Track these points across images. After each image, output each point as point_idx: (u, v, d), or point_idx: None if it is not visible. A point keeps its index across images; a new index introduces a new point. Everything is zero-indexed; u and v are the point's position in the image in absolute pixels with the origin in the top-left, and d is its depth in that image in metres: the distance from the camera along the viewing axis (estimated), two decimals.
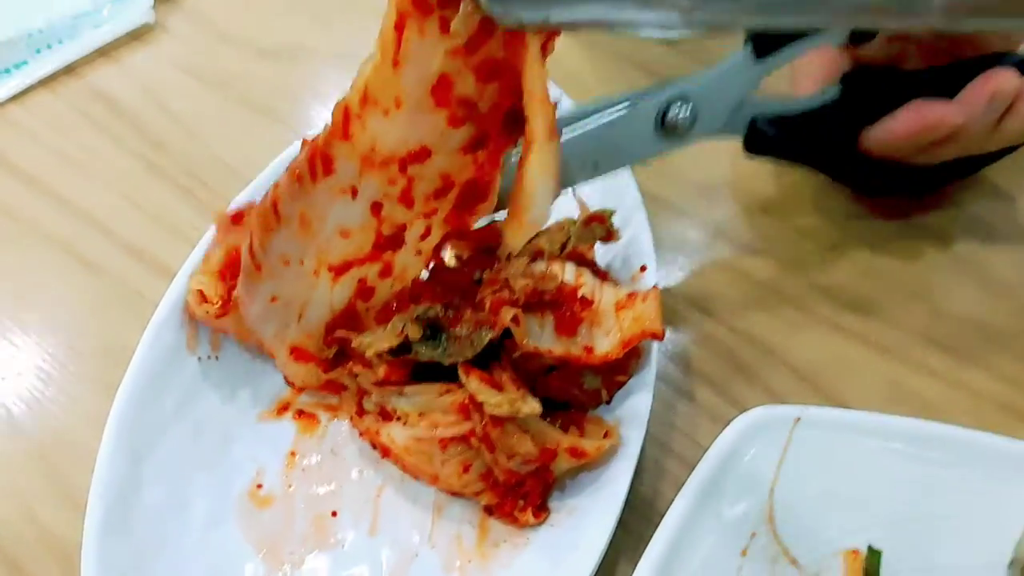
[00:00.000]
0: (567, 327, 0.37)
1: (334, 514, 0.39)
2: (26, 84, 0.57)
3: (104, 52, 0.59)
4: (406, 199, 0.35)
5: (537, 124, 0.29)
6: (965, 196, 0.50)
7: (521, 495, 0.37)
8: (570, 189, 0.43)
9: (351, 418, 0.40)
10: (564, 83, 0.46)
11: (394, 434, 0.37)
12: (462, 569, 0.37)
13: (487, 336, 0.35)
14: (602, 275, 0.41)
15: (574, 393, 0.38)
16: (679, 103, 0.40)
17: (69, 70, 0.58)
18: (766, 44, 0.41)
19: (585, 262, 0.41)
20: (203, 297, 0.39)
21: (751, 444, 0.36)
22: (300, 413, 0.41)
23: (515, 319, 0.35)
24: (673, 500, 0.35)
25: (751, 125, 0.43)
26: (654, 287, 0.39)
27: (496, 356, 0.36)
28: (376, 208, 0.35)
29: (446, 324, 0.35)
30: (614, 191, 0.44)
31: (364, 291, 0.38)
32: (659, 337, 0.37)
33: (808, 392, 0.43)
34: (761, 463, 0.36)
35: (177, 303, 0.41)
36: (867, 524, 0.36)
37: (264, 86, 0.57)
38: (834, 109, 0.44)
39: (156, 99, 0.56)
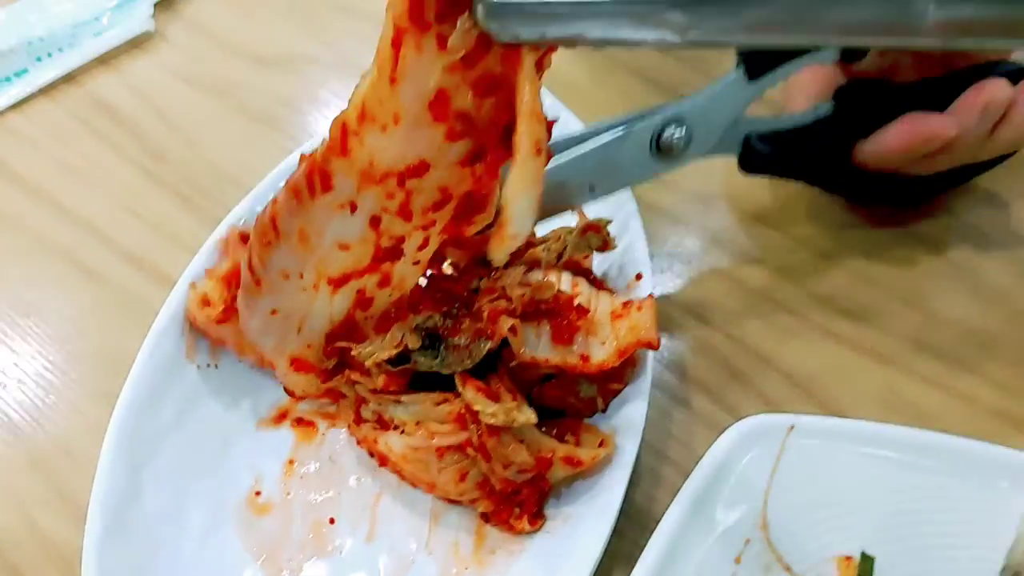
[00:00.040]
0: (563, 336, 0.37)
1: (332, 521, 0.39)
2: (27, 92, 0.57)
3: (104, 60, 0.59)
4: (404, 212, 0.35)
5: (523, 140, 0.29)
6: (958, 203, 0.50)
7: (517, 503, 0.37)
8: None
9: (349, 426, 0.40)
10: (559, 89, 0.46)
11: (391, 442, 0.38)
12: None
13: (486, 346, 0.35)
14: (598, 284, 0.41)
15: (570, 401, 0.39)
16: (674, 125, 0.40)
17: (69, 78, 0.58)
18: (758, 65, 0.41)
19: (581, 271, 0.41)
20: (206, 301, 0.39)
21: (745, 452, 0.37)
22: (298, 421, 0.42)
23: (513, 329, 0.35)
24: (668, 506, 0.36)
25: (745, 144, 0.44)
26: (649, 296, 0.39)
27: (493, 365, 0.37)
28: (375, 222, 0.35)
29: (445, 334, 0.36)
30: (610, 200, 0.44)
31: (363, 301, 0.38)
32: (654, 347, 0.37)
33: (803, 399, 0.43)
34: (755, 471, 0.37)
35: (177, 312, 0.42)
36: (860, 531, 0.36)
37: (263, 94, 0.57)
38: (828, 124, 0.45)
39: (156, 107, 0.57)
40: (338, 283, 0.37)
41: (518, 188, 0.29)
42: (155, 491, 0.38)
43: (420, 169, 0.33)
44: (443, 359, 0.36)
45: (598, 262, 0.44)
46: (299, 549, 0.38)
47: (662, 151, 0.41)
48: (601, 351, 0.37)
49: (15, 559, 0.40)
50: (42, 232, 0.51)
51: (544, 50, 0.30)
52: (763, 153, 0.44)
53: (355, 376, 0.38)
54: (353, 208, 0.35)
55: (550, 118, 0.31)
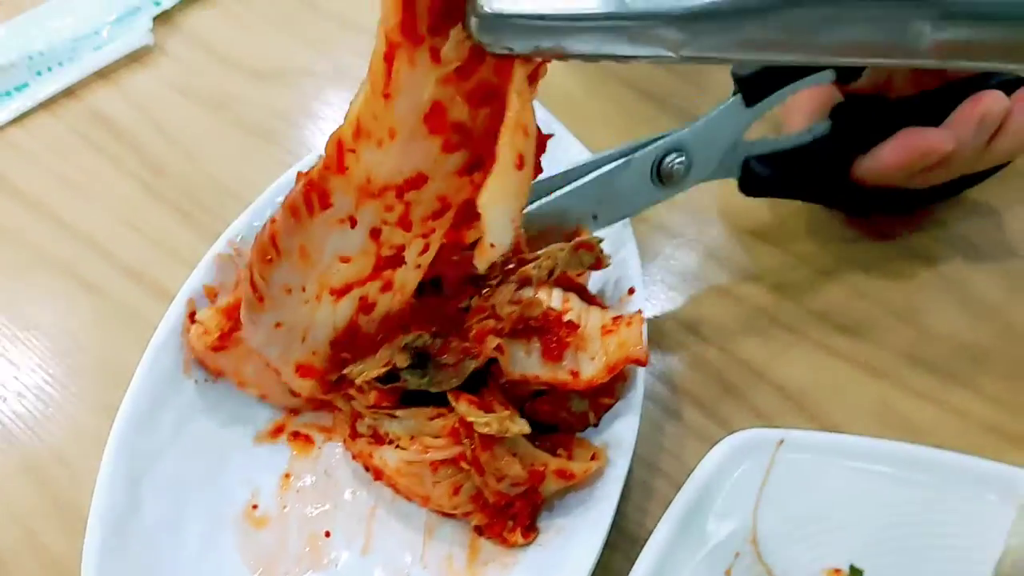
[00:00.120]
0: (553, 353, 0.37)
1: (328, 534, 0.40)
2: (27, 107, 0.58)
3: (104, 74, 0.60)
4: (404, 223, 0.35)
5: (503, 151, 0.29)
6: (951, 216, 0.51)
7: (510, 516, 0.38)
8: None
9: (344, 440, 0.41)
10: (552, 100, 0.46)
11: (386, 457, 0.38)
12: None
13: (471, 365, 0.36)
14: (592, 299, 0.42)
15: (562, 416, 0.39)
16: (674, 153, 0.41)
17: (69, 92, 0.59)
18: (756, 91, 0.42)
19: (573, 286, 0.42)
20: (205, 331, 0.40)
21: (735, 466, 0.37)
22: (295, 435, 0.42)
23: (499, 348, 0.36)
24: (660, 519, 0.36)
25: (745, 167, 0.45)
26: (638, 312, 0.39)
27: (485, 381, 0.37)
28: (375, 234, 0.35)
29: (433, 353, 0.36)
30: None
31: (365, 306, 0.38)
32: (643, 363, 0.38)
33: (795, 413, 0.44)
34: (745, 485, 0.37)
35: (176, 326, 0.42)
36: (850, 545, 0.36)
37: (261, 108, 0.58)
38: (826, 143, 0.45)
39: (155, 121, 0.57)
40: (340, 293, 0.37)
41: (493, 199, 0.29)
42: (154, 504, 0.39)
43: (418, 181, 0.33)
44: (431, 378, 0.36)
45: (595, 276, 0.44)
46: (295, 562, 0.39)
47: (663, 178, 0.42)
48: (591, 367, 0.38)
49: (15, 571, 0.41)
50: (42, 246, 0.52)
51: (537, 63, 0.30)
52: (763, 175, 0.45)
53: (351, 391, 0.38)
54: (353, 223, 0.35)
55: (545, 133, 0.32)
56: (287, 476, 0.41)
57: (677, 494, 0.37)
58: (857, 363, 0.45)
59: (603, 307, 0.41)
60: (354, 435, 0.40)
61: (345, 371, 0.37)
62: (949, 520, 0.36)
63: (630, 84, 0.58)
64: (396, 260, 0.37)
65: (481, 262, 0.31)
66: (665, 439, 0.43)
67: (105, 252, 0.51)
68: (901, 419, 0.44)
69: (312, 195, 0.34)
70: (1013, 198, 0.51)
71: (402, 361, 0.36)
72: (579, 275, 0.42)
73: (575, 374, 0.38)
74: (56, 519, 0.42)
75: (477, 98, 0.31)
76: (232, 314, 0.40)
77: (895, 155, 0.42)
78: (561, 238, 0.41)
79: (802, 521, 0.37)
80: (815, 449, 0.38)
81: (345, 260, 0.36)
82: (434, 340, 0.36)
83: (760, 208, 0.51)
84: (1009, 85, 0.43)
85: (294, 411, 0.43)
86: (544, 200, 0.41)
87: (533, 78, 0.31)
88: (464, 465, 0.37)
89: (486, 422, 0.36)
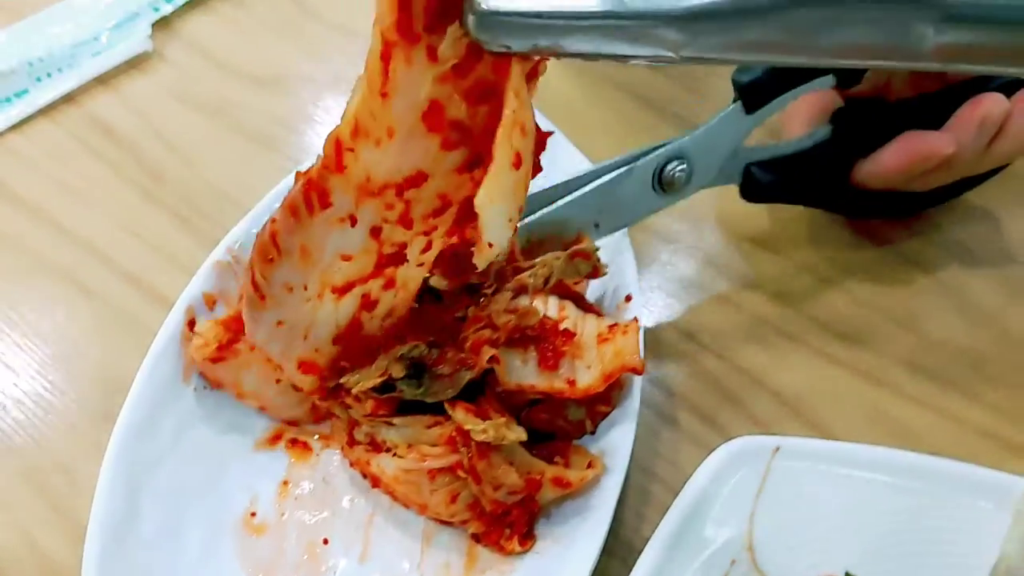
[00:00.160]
0: (549, 362, 0.38)
1: (326, 542, 0.40)
2: (27, 113, 0.58)
3: (103, 80, 0.60)
4: (405, 221, 0.35)
5: (499, 150, 0.29)
6: (949, 222, 0.51)
7: (507, 524, 0.38)
8: None
9: (342, 448, 0.41)
10: (549, 105, 0.47)
11: (384, 465, 0.38)
12: None
13: (467, 376, 0.36)
14: (588, 307, 0.42)
15: (559, 424, 0.39)
16: (675, 161, 0.41)
17: (69, 99, 0.59)
18: (756, 98, 0.42)
19: (570, 293, 0.42)
20: (205, 343, 0.40)
21: (732, 473, 0.37)
22: (293, 442, 0.42)
23: (494, 359, 0.36)
24: (657, 526, 0.36)
25: (746, 173, 0.45)
26: (634, 319, 0.40)
27: (482, 389, 0.37)
28: (375, 232, 0.35)
29: (429, 363, 0.36)
30: None
31: (368, 303, 0.38)
32: (638, 371, 0.38)
33: (792, 419, 0.44)
34: (741, 492, 0.37)
35: (175, 334, 0.42)
36: (845, 552, 0.37)
37: (260, 114, 0.58)
38: (826, 147, 0.45)
39: (154, 128, 0.57)
40: (342, 291, 0.37)
41: (490, 198, 0.29)
42: (153, 512, 0.39)
43: (418, 179, 0.33)
44: (427, 388, 0.36)
45: (593, 283, 0.45)
46: (294, 570, 0.39)
47: (664, 186, 0.42)
48: (587, 375, 0.38)
49: None
50: (42, 252, 0.52)
51: (535, 60, 0.30)
52: (764, 182, 0.45)
53: (348, 400, 0.38)
54: (353, 222, 0.35)
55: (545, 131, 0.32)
56: (285, 483, 0.41)
57: (674, 501, 0.37)
58: (854, 370, 0.46)
59: (599, 314, 0.42)
60: (352, 442, 0.40)
61: (342, 380, 0.38)
62: (945, 528, 0.36)
63: (630, 91, 0.58)
64: (398, 258, 0.36)
65: (480, 261, 0.31)
66: (662, 445, 0.43)
67: (104, 258, 0.51)
68: (898, 426, 0.44)
69: (311, 194, 0.34)
70: (1010, 202, 0.51)
71: (398, 371, 0.36)
72: (576, 283, 0.42)
73: (571, 383, 0.38)
74: (56, 526, 0.42)
75: (475, 96, 0.31)
76: (231, 326, 0.40)
77: (896, 159, 0.43)
78: (560, 247, 0.41)
79: (798, 528, 0.37)
80: (811, 456, 0.38)
81: (346, 258, 0.36)
82: (430, 350, 0.36)
83: (757, 215, 0.51)
84: (1009, 87, 0.43)
85: (293, 423, 0.43)
86: (545, 210, 0.41)
87: (532, 76, 0.31)
88: (461, 473, 0.37)
89: (483, 429, 0.36)
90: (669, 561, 0.36)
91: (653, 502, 0.41)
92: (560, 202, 0.41)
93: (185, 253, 0.51)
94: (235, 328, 0.40)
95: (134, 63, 0.61)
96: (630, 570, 0.35)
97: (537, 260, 0.40)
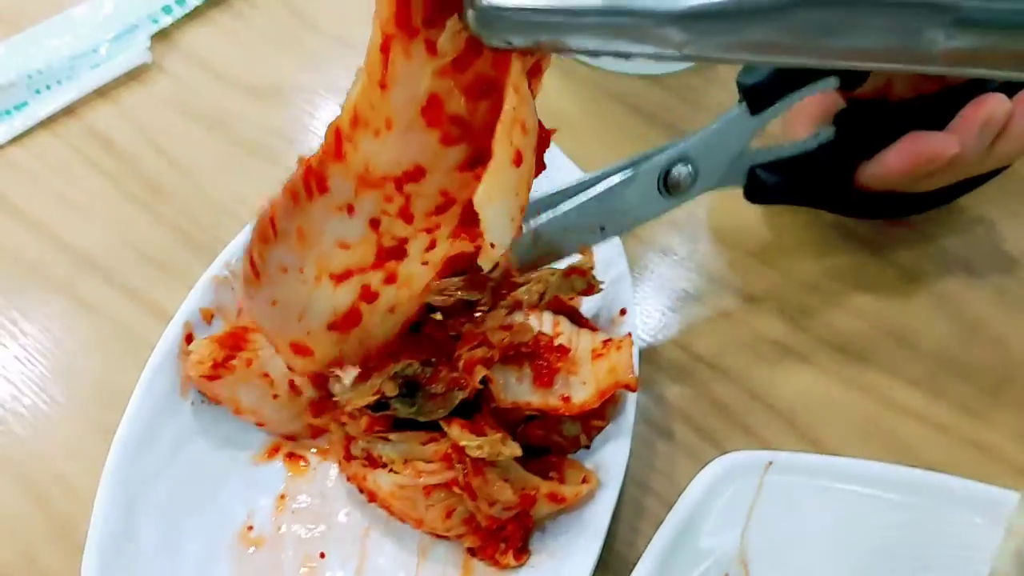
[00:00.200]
0: (544, 378, 0.38)
1: (322, 555, 0.40)
2: (27, 125, 0.58)
3: (102, 92, 0.60)
4: (405, 215, 0.35)
5: (499, 146, 0.29)
6: (945, 235, 0.51)
7: (503, 539, 0.38)
8: None
9: (339, 462, 0.41)
10: (543, 116, 0.47)
11: (380, 480, 0.38)
12: None
13: (459, 396, 0.36)
14: (583, 321, 0.42)
15: (554, 439, 0.40)
16: (680, 163, 0.41)
17: (68, 111, 0.59)
18: (760, 100, 0.42)
19: (565, 308, 0.42)
20: (201, 361, 0.40)
21: (725, 488, 0.38)
22: (290, 456, 0.43)
23: (487, 379, 0.36)
24: (651, 539, 0.37)
25: (751, 175, 0.45)
26: (628, 336, 0.40)
27: (477, 406, 0.38)
28: (374, 223, 0.35)
29: (423, 382, 0.37)
30: None
31: (368, 295, 0.38)
32: (632, 388, 0.38)
33: (786, 432, 0.44)
34: (734, 506, 0.37)
35: (172, 348, 0.42)
36: (838, 567, 0.37)
37: (259, 126, 0.58)
38: (830, 149, 0.45)
39: (153, 140, 0.58)
40: (340, 278, 0.37)
41: (489, 196, 0.29)
42: (151, 525, 0.39)
43: (417, 174, 0.33)
44: (419, 407, 0.37)
45: (588, 297, 0.45)
46: None
47: (670, 188, 0.42)
48: (582, 391, 0.38)
49: None
50: (42, 265, 0.52)
51: (536, 56, 0.30)
52: (769, 183, 0.45)
53: (343, 418, 0.39)
54: (351, 211, 0.34)
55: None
56: (282, 497, 0.42)
57: (668, 515, 0.37)
58: (850, 383, 0.46)
59: (594, 329, 0.42)
60: (348, 457, 0.40)
61: (335, 398, 0.38)
62: (936, 543, 0.37)
63: (625, 103, 0.58)
64: (398, 252, 0.36)
65: (484, 262, 0.31)
66: (656, 458, 0.43)
67: (103, 271, 0.52)
68: (894, 439, 0.44)
69: (311, 180, 0.34)
70: (1008, 215, 0.51)
71: (391, 390, 0.36)
72: (571, 298, 0.42)
73: (566, 399, 0.38)
74: (55, 539, 0.42)
75: (475, 91, 0.30)
76: (226, 342, 0.40)
77: (900, 160, 0.43)
78: (562, 253, 0.41)
79: (791, 543, 0.37)
80: (804, 471, 0.38)
81: (344, 246, 0.36)
82: (423, 369, 0.37)
83: (752, 227, 0.52)
84: (1009, 88, 0.43)
85: (291, 438, 0.43)
86: (551, 213, 0.41)
87: (534, 72, 0.30)
88: (456, 490, 0.37)
89: (478, 445, 0.36)
90: (663, 575, 0.36)
91: (647, 516, 0.42)
92: (565, 206, 0.41)
93: (183, 266, 0.51)
94: (231, 344, 0.40)
95: (133, 75, 0.61)
96: None
97: (532, 276, 0.40)
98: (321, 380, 0.39)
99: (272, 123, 0.59)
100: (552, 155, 0.46)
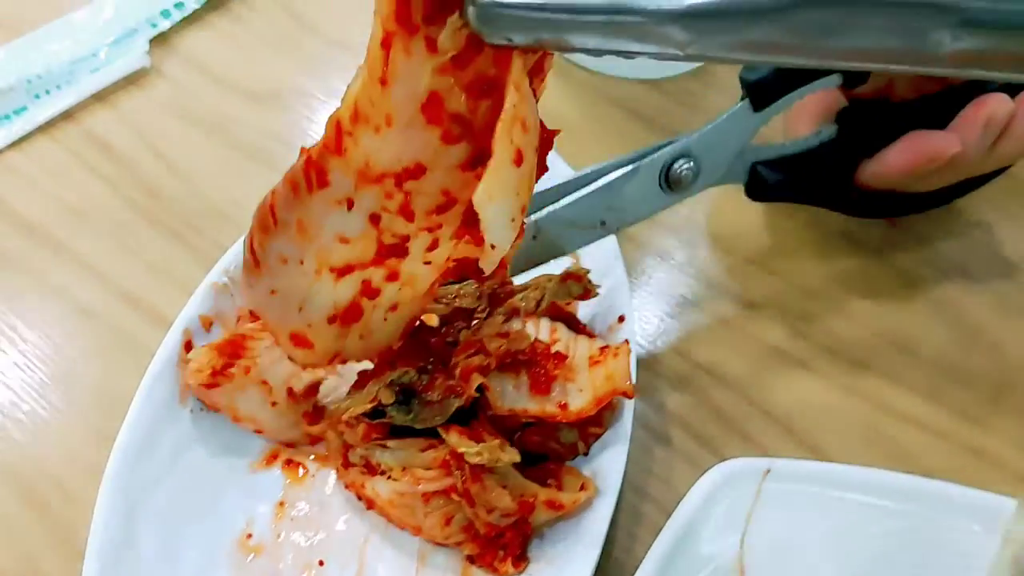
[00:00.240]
0: (541, 386, 0.38)
1: (321, 563, 0.40)
2: (26, 130, 0.58)
3: (101, 97, 0.60)
4: (405, 213, 0.35)
5: (499, 145, 0.28)
6: (944, 240, 0.51)
7: (501, 546, 0.38)
8: None
9: (337, 470, 0.41)
10: (544, 121, 0.47)
11: (378, 488, 0.38)
12: None
13: (455, 404, 0.36)
14: (580, 328, 0.42)
15: (552, 446, 0.40)
16: (682, 159, 0.41)
17: (67, 116, 0.59)
18: (763, 97, 0.42)
19: (562, 315, 0.42)
20: (199, 369, 0.40)
21: (723, 495, 0.38)
22: (289, 463, 0.43)
23: (483, 387, 0.36)
24: (650, 547, 0.37)
25: (752, 172, 0.45)
26: (625, 342, 0.40)
27: (475, 413, 0.38)
28: (375, 219, 0.35)
29: (419, 389, 0.37)
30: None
31: (369, 291, 0.37)
32: (629, 395, 0.38)
33: (784, 438, 0.44)
34: (733, 513, 0.38)
35: (171, 356, 0.42)
36: (837, 573, 0.37)
37: (257, 131, 0.58)
38: (832, 147, 0.45)
39: (152, 145, 0.58)
40: (341, 272, 0.36)
41: (489, 195, 0.29)
42: (150, 533, 0.39)
43: (417, 172, 0.33)
44: (416, 415, 0.37)
45: (586, 302, 0.45)
46: None
47: (671, 184, 0.42)
48: (579, 399, 0.38)
49: None
50: (40, 270, 0.52)
51: (538, 55, 0.29)
52: (770, 180, 0.45)
53: (340, 425, 0.39)
54: (350, 205, 0.34)
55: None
56: (281, 504, 0.42)
57: (666, 522, 0.37)
58: (849, 390, 0.46)
59: (591, 335, 0.42)
60: (347, 464, 0.40)
61: (331, 407, 0.38)
62: (934, 550, 0.37)
63: (624, 107, 0.58)
64: (399, 250, 0.36)
65: (485, 264, 0.31)
66: (654, 464, 0.43)
67: (102, 277, 0.52)
68: (894, 446, 0.44)
69: (311, 172, 0.33)
70: (1006, 220, 0.51)
71: (387, 397, 0.36)
72: (567, 303, 0.42)
73: (563, 407, 0.38)
74: (55, 546, 0.43)
75: (476, 89, 0.30)
76: (225, 350, 0.40)
77: (902, 158, 0.43)
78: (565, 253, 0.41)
79: (789, 550, 0.37)
80: (801, 478, 0.38)
81: (344, 241, 0.35)
82: (420, 376, 0.37)
83: (751, 231, 0.52)
84: (1010, 87, 0.43)
85: (289, 445, 0.43)
86: (551, 207, 0.41)
87: (537, 71, 0.30)
88: (455, 497, 0.37)
89: (477, 452, 0.37)
90: None
91: (646, 522, 0.42)
92: (566, 200, 0.41)
93: (182, 271, 0.51)
94: (229, 352, 0.40)
95: (132, 79, 0.61)
96: None
97: (529, 282, 0.40)
98: (312, 390, 0.40)
99: (271, 127, 0.59)
100: (549, 160, 0.46)
